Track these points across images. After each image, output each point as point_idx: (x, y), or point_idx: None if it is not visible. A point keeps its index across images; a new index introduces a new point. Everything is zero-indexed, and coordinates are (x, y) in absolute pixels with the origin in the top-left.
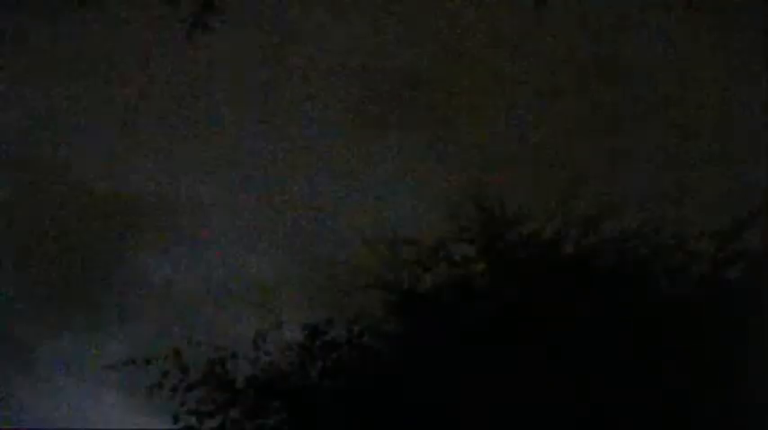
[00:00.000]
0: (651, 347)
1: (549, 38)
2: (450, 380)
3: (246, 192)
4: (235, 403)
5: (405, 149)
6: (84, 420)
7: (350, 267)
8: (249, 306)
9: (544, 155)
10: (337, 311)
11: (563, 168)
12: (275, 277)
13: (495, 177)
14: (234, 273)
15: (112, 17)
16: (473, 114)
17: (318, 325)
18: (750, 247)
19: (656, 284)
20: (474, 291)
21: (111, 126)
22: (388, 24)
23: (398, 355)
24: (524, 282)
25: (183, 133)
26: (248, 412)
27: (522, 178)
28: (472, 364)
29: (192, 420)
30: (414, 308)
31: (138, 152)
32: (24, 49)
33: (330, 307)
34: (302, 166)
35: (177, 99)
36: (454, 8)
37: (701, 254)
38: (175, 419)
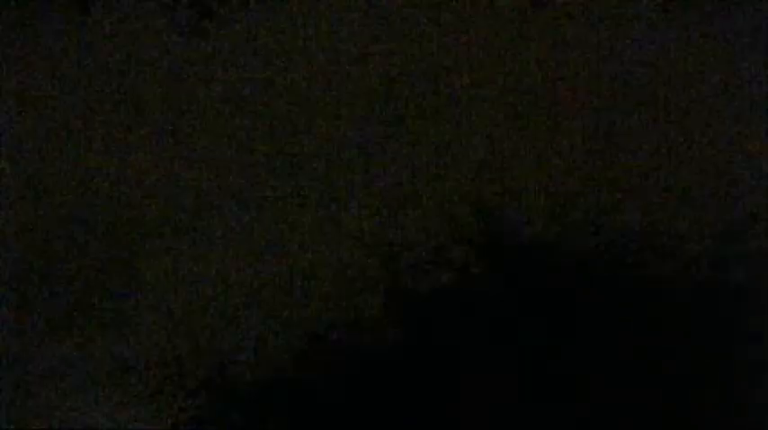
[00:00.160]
0: (652, 349)
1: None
2: (450, 383)
3: (246, 194)
4: (235, 409)
5: (405, 152)
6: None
7: (350, 270)
8: (249, 309)
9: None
10: (337, 315)
11: (564, 172)
12: (275, 279)
13: (494, 179)
14: (234, 274)
15: (113, 23)
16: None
17: (318, 329)
18: (751, 249)
19: (656, 286)
20: (473, 295)
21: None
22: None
23: (399, 359)
24: (524, 284)
25: (183, 134)
26: (249, 418)
27: (521, 180)
28: (472, 366)
29: (192, 426)
30: (414, 312)
31: (139, 153)
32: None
33: (330, 311)
34: (303, 166)
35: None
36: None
37: (701, 256)
38: (175, 426)
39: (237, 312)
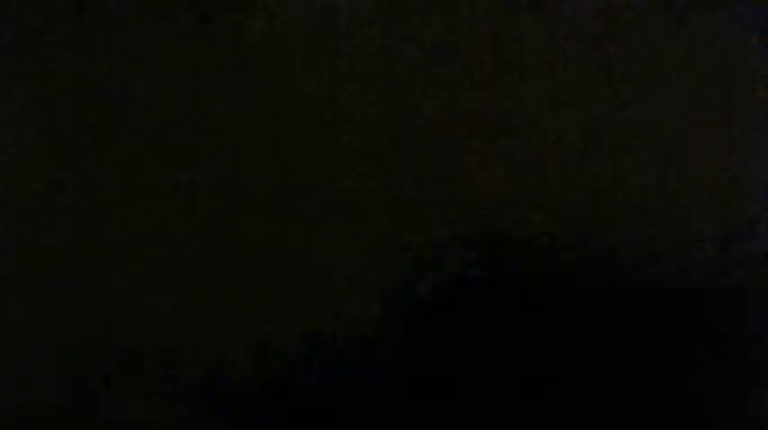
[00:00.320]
0: (651, 353)
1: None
2: (450, 383)
3: (246, 194)
4: (235, 411)
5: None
6: None
7: (348, 272)
8: (249, 312)
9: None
10: (337, 316)
11: (564, 174)
12: (275, 281)
13: (494, 180)
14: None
15: (112, 24)
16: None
17: (318, 331)
18: (750, 252)
19: (655, 289)
20: (474, 295)
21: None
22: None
23: (399, 360)
24: (524, 285)
25: (185, 135)
26: (249, 420)
27: (521, 182)
28: (472, 366)
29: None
30: (414, 312)
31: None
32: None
33: (330, 312)
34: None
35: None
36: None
37: (700, 260)
38: (171, 428)
39: (236, 315)
